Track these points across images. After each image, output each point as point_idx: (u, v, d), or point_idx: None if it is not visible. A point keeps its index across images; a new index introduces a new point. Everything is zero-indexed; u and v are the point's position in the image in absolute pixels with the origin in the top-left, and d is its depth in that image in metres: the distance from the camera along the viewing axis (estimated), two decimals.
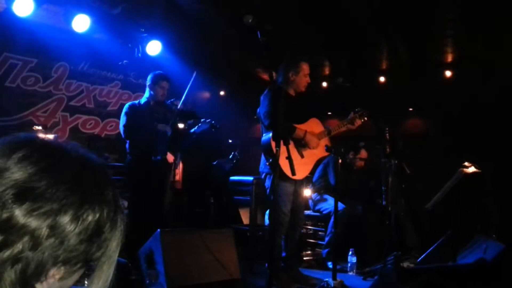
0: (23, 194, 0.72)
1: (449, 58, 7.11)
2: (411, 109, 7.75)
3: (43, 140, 0.80)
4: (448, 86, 7.10)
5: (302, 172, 4.04)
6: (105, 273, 0.83)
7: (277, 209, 3.99)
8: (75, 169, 0.78)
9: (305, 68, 4.29)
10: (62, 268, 0.76)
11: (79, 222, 0.74)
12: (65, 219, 0.73)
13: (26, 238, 0.71)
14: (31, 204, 0.72)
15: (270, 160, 4.07)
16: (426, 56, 7.15)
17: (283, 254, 4.31)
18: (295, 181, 4.12)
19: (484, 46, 6.43)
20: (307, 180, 4.87)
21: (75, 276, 0.81)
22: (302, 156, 4.12)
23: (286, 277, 4.20)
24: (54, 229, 0.72)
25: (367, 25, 6.16)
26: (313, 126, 4.29)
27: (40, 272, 0.73)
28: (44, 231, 0.72)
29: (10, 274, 0.72)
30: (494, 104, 6.34)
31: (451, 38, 6.44)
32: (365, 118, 4.32)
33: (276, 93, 4.09)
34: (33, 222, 0.71)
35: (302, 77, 4.28)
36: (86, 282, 0.83)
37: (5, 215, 0.71)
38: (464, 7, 5.50)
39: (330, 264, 4.55)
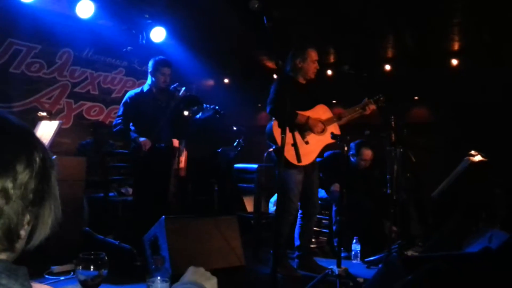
0: None
1: (456, 46, 7.05)
2: (416, 97, 7.70)
3: None
4: (454, 74, 7.05)
5: (306, 159, 4.02)
6: (53, 209, 0.91)
7: (284, 197, 4.00)
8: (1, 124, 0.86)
9: (312, 54, 4.24)
10: (31, 209, 0.85)
11: (33, 165, 0.84)
12: (21, 166, 0.82)
13: None
14: None
15: (274, 147, 4.07)
16: (432, 44, 7.09)
17: (298, 243, 4.30)
18: (303, 168, 4.09)
19: (491, 34, 6.36)
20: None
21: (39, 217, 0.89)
22: (306, 143, 4.09)
23: (290, 265, 4.20)
24: (16, 179, 0.81)
25: (373, 12, 6.09)
26: (320, 112, 4.23)
27: (21, 220, 0.83)
28: (9, 183, 0.80)
29: None
30: (501, 92, 6.29)
31: (457, 26, 6.37)
32: (381, 104, 4.27)
33: (282, 81, 4.06)
34: None
35: (310, 64, 4.24)
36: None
37: None
38: None
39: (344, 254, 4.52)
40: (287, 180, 4.01)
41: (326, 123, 4.17)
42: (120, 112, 4.70)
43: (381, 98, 4.29)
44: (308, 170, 4.18)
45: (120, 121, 4.64)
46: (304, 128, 4.08)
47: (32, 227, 0.88)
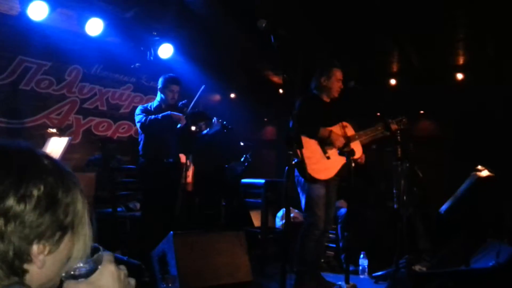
0: None
1: (461, 60, 7.08)
2: (422, 111, 7.72)
3: None
4: (460, 88, 7.07)
5: (326, 173, 4.04)
6: (82, 235, 0.90)
7: (309, 211, 4.05)
8: None
9: (337, 74, 4.29)
10: (42, 243, 0.81)
11: (26, 200, 0.78)
12: (10, 202, 0.77)
13: None
14: None
15: (295, 160, 4.09)
16: (437, 59, 7.13)
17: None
18: (325, 183, 4.10)
19: (495, 49, 6.39)
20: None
21: (64, 245, 0.86)
22: (328, 158, 4.10)
23: (311, 284, 4.16)
24: (6, 215, 0.77)
25: (379, 27, 6.15)
26: (343, 129, 4.26)
27: (20, 255, 0.78)
28: (0, 221, 0.76)
29: None
30: (506, 106, 6.30)
31: (462, 41, 6.41)
32: (404, 125, 4.31)
33: (307, 99, 4.17)
34: None
35: (335, 82, 4.28)
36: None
37: None
38: (475, 11, 5.48)
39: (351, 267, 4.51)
40: (311, 195, 4.04)
41: (348, 139, 4.17)
42: (141, 113, 4.70)
43: (404, 120, 4.33)
44: (330, 186, 4.19)
45: (145, 116, 4.65)
46: (326, 142, 4.09)
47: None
